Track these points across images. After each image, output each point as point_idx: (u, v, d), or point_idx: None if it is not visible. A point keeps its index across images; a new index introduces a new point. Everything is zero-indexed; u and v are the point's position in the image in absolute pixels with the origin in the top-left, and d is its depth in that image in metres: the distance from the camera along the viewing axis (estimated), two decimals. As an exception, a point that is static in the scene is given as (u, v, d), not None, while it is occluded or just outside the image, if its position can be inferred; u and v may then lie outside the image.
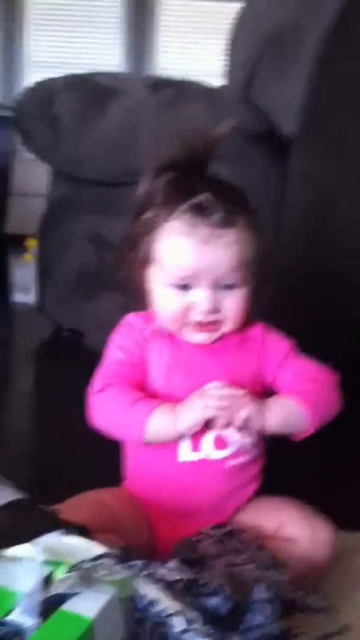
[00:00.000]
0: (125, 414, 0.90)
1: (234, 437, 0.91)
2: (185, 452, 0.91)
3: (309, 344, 1.09)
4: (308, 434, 0.92)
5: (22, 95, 2.00)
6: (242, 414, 0.87)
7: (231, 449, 0.92)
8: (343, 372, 0.96)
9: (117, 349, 0.95)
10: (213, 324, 0.92)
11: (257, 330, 0.98)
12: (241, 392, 0.90)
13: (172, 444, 0.91)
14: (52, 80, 1.93)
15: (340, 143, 1.35)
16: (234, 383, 0.92)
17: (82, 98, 1.76)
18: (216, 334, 0.93)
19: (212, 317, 0.91)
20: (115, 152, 1.68)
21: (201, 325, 0.92)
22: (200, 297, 0.90)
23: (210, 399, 0.88)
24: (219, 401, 0.87)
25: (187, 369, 0.93)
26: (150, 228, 0.92)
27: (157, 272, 0.93)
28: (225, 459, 0.92)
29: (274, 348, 0.97)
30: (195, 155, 0.91)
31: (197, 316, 0.91)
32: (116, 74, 2.82)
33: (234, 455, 0.92)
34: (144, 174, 0.93)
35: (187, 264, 0.89)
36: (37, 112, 1.88)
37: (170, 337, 0.95)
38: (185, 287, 0.91)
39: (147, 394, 0.92)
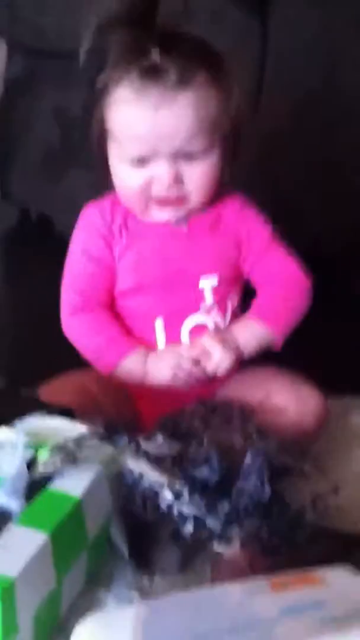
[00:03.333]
0: (97, 352, 0.88)
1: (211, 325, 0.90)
2: (162, 345, 0.90)
3: (291, 213, 1.04)
4: (278, 346, 0.90)
5: None
6: (210, 366, 0.86)
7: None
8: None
9: (82, 254, 0.90)
10: (178, 199, 0.85)
11: (233, 208, 0.91)
12: (210, 340, 0.87)
13: (150, 335, 0.90)
14: None
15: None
16: (208, 270, 0.89)
17: None
18: (182, 210, 0.87)
19: (175, 192, 0.84)
20: (81, 18, 1.56)
21: (165, 201, 0.85)
22: (159, 170, 0.83)
23: (181, 357, 0.85)
24: (188, 358, 0.85)
25: (156, 262, 0.89)
26: (102, 95, 0.84)
27: (113, 146, 0.86)
28: None
29: (253, 236, 0.91)
30: (140, 5, 0.79)
31: (159, 192, 0.84)
32: None
33: None
34: (85, 31, 0.80)
35: (140, 134, 0.81)
36: (-13, -22, 1.74)
37: (137, 230, 0.89)
38: (143, 161, 0.83)
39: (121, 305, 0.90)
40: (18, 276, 1.74)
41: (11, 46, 1.97)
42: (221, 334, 0.89)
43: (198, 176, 0.84)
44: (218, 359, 0.86)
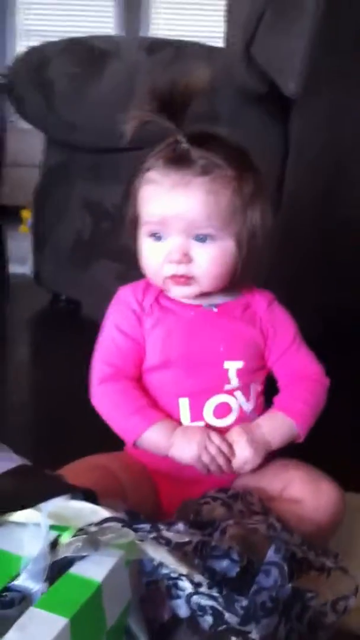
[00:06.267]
0: (124, 419, 0.90)
1: (235, 405, 0.92)
2: (186, 422, 0.91)
3: (312, 308, 1.07)
4: (301, 441, 0.92)
5: (15, 61, 1.97)
6: (237, 463, 0.88)
7: (233, 418, 0.92)
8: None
9: (114, 329, 0.93)
10: (185, 278, 0.89)
11: (263, 303, 0.96)
12: (240, 437, 0.89)
13: (174, 412, 0.91)
14: (45, 45, 1.90)
15: (344, 102, 1.33)
16: (234, 355, 0.91)
17: (76, 62, 1.72)
18: (192, 289, 0.90)
19: (183, 270, 0.88)
20: (110, 117, 1.64)
21: (176, 278, 0.89)
22: (171, 246, 0.88)
23: (210, 444, 0.87)
24: (217, 448, 0.87)
25: (184, 339, 0.91)
26: (135, 179, 0.91)
27: (141, 228, 0.91)
28: (227, 427, 0.91)
29: (279, 333, 0.95)
30: (172, 102, 0.86)
31: (169, 269, 0.89)
32: (111, 37, 2.78)
33: (235, 423, 0.91)
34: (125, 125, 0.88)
35: (156, 210, 0.88)
36: (30, 77, 1.85)
37: (168, 308, 0.93)
38: (160, 237, 0.89)
39: (146, 386, 0.93)
40: (44, 357, 1.78)
41: (48, 139, 2.07)
42: (250, 430, 0.90)
43: (205, 259, 0.88)
44: (245, 459, 0.88)
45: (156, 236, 0.89)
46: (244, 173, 0.88)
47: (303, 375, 0.95)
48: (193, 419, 0.91)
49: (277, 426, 0.91)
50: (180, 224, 0.87)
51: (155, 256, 0.90)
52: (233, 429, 0.90)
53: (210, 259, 0.88)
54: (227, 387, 0.92)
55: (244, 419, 0.92)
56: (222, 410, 0.91)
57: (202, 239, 0.88)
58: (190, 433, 0.88)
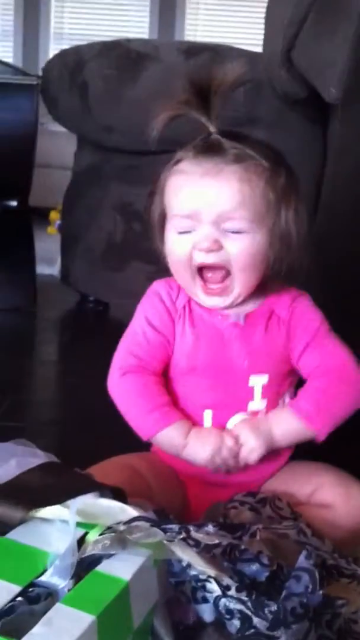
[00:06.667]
0: (143, 414, 0.88)
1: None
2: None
3: (345, 320, 1.04)
4: (321, 440, 0.88)
5: (49, 62, 1.98)
6: (243, 454, 0.86)
7: None
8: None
9: (145, 321, 0.91)
10: (220, 283, 0.86)
11: (285, 302, 0.91)
12: (243, 431, 0.87)
13: (198, 420, 0.90)
14: (80, 47, 1.91)
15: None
16: (258, 369, 0.89)
17: (113, 64, 1.73)
18: (229, 298, 0.87)
19: (213, 258, 0.84)
20: (147, 119, 1.65)
21: (208, 284, 0.86)
22: (201, 235, 0.84)
23: (224, 448, 0.85)
24: (230, 451, 0.85)
25: (211, 350, 0.89)
26: (163, 175, 0.88)
27: (168, 223, 0.88)
28: None
29: (301, 326, 0.91)
30: (207, 93, 0.83)
31: (199, 257, 0.85)
32: (149, 40, 2.79)
33: None
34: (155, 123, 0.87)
35: (185, 202, 0.84)
36: (65, 79, 1.86)
37: (198, 313, 0.90)
38: (189, 229, 0.85)
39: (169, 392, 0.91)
40: (71, 357, 1.78)
41: (80, 141, 2.08)
42: (256, 422, 0.88)
43: (238, 249, 0.84)
44: (250, 448, 0.86)
45: (186, 229, 0.85)
46: (277, 167, 0.86)
47: (329, 367, 0.89)
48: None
49: (282, 423, 0.87)
50: (211, 214, 0.83)
51: (183, 246, 0.86)
52: (238, 426, 0.88)
53: (241, 248, 0.84)
54: (251, 405, 0.89)
55: None
56: None
57: (233, 230, 0.84)
58: (205, 435, 0.87)
